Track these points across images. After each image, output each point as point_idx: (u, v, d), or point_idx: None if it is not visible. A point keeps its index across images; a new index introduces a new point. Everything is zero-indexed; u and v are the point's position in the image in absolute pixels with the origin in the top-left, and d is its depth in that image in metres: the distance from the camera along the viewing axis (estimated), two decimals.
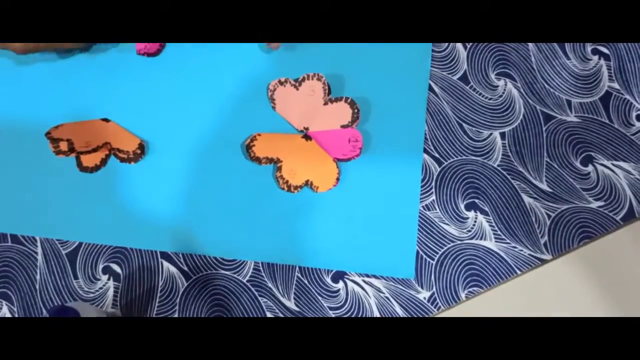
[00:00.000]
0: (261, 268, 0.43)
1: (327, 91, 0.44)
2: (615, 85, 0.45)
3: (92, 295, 0.43)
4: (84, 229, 0.43)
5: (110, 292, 0.43)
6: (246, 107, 0.45)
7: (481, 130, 0.44)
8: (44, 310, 0.42)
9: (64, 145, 0.43)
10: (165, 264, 0.43)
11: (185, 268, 0.43)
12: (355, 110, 0.44)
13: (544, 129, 0.44)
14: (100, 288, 0.43)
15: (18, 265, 0.43)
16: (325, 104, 0.44)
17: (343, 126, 0.44)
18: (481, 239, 0.43)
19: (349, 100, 0.44)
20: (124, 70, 0.46)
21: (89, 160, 0.44)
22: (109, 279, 0.43)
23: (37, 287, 0.43)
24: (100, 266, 0.43)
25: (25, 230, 0.44)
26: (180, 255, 0.43)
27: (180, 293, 0.42)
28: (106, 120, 0.45)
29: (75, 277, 0.43)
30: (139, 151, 0.44)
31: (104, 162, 0.44)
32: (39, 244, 0.43)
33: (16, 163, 0.45)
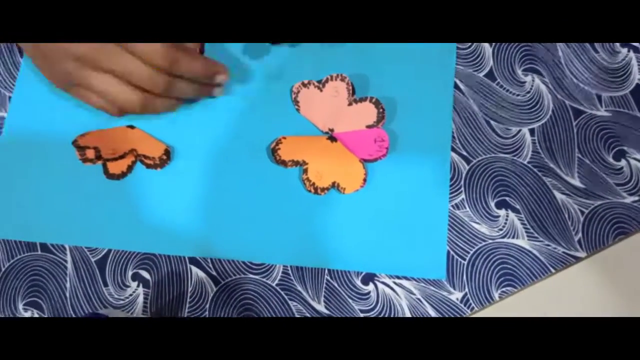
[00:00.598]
0: (290, 272, 0.42)
1: (351, 92, 0.44)
2: None
3: (122, 302, 0.42)
4: (112, 236, 0.43)
5: (140, 299, 0.42)
6: (270, 110, 0.45)
7: (510, 127, 0.44)
8: None
9: (90, 154, 0.43)
10: (194, 269, 0.43)
11: (214, 273, 0.43)
12: (381, 110, 0.43)
13: (574, 124, 0.44)
14: (130, 295, 0.43)
15: (48, 273, 0.43)
16: (350, 104, 0.44)
17: (368, 126, 0.44)
18: (513, 237, 0.42)
19: (373, 100, 0.44)
20: None
21: (115, 167, 0.44)
22: (138, 286, 0.43)
23: (68, 295, 0.43)
24: (130, 273, 0.43)
25: (54, 238, 0.44)
26: (209, 260, 0.43)
27: (210, 298, 0.42)
28: (131, 127, 0.45)
29: (105, 285, 0.43)
30: (164, 157, 0.44)
31: (130, 168, 0.44)
32: (68, 252, 0.44)
33: (44, 172, 0.45)
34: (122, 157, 0.44)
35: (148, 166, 0.44)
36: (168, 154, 0.44)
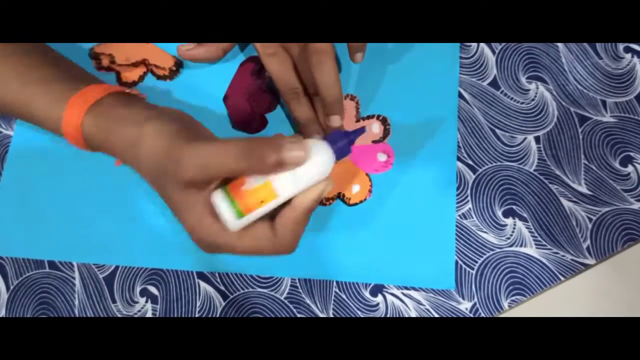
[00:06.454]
0: (298, 284, 0.42)
1: (359, 110, 0.44)
2: None
3: None
4: (119, 253, 0.43)
5: (149, 315, 0.42)
6: (278, 125, 0.45)
7: (515, 135, 0.44)
8: None
9: (105, 61, 0.45)
10: (202, 284, 0.43)
11: (222, 287, 0.42)
12: (387, 127, 0.44)
13: (579, 130, 0.43)
14: (139, 311, 0.43)
15: (56, 291, 0.43)
16: (358, 121, 0.44)
17: (374, 142, 0.44)
18: (521, 246, 0.42)
19: (380, 118, 0.44)
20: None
21: (128, 76, 0.46)
22: (146, 302, 0.43)
23: (76, 312, 0.43)
24: (138, 289, 0.43)
25: (62, 256, 0.44)
26: (217, 275, 0.43)
27: (218, 313, 0.42)
28: (145, 42, 0.46)
29: (114, 301, 0.43)
30: (174, 68, 0.46)
31: (141, 78, 0.46)
32: (76, 269, 0.44)
33: (51, 191, 0.45)
34: (135, 65, 0.45)
35: (158, 77, 0.46)
36: (178, 65, 0.46)
